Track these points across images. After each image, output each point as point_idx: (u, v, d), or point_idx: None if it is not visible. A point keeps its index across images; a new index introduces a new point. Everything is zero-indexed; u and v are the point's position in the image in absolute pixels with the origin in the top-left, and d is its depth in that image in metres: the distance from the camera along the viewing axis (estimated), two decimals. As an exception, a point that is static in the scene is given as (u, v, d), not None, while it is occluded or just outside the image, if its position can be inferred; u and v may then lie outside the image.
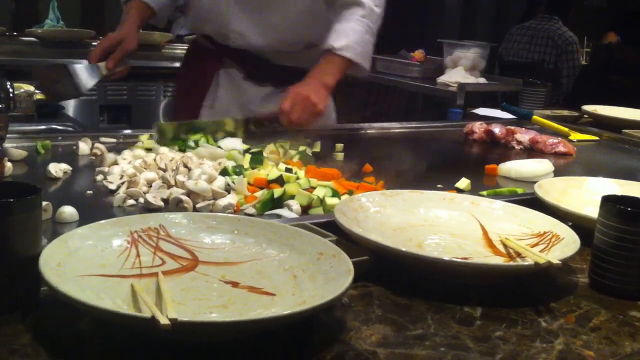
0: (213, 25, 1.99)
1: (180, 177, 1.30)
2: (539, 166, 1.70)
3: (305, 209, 1.25)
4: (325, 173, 1.42)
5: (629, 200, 1.04)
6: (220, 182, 1.31)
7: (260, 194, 1.28)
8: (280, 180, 1.32)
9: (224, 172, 1.37)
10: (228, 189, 1.31)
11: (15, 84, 1.99)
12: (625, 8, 5.94)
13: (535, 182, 1.39)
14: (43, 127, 2.14)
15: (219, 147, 1.57)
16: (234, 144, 1.59)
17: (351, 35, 1.84)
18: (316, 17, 1.95)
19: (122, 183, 1.31)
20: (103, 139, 1.66)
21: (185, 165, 1.39)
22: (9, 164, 1.36)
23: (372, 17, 1.89)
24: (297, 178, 1.33)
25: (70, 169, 1.41)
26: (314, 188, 1.29)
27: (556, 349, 0.85)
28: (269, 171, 1.37)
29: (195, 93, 2.07)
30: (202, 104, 2.05)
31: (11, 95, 1.51)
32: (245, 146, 1.59)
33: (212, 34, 2.00)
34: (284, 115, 1.70)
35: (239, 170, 1.37)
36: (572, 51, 5.07)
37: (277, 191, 1.25)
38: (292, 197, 1.25)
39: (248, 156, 1.48)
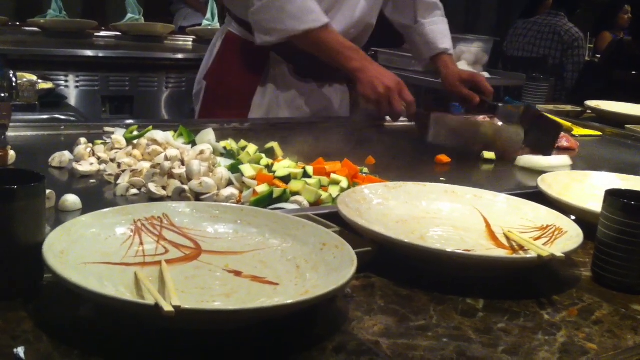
0: None
1: (177, 170, 1.28)
2: (557, 160, 1.75)
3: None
4: (337, 168, 1.36)
5: (632, 195, 1.04)
6: (220, 171, 1.30)
7: (261, 189, 1.25)
8: (287, 179, 1.28)
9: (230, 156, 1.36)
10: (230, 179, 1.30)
11: (18, 74, 1.99)
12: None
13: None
14: (46, 116, 2.14)
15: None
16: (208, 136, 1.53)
17: (448, 35, 2.24)
18: (374, 15, 2.14)
19: (123, 171, 1.31)
20: (107, 129, 1.66)
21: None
22: (12, 152, 1.36)
23: (444, 13, 2.27)
24: (306, 175, 1.30)
25: (73, 158, 1.41)
26: (325, 186, 1.28)
27: (558, 341, 0.85)
28: (279, 167, 1.33)
29: (241, 91, 2.07)
30: (252, 100, 2.07)
31: (14, 84, 1.50)
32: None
33: None
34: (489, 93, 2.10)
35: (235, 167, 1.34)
36: (578, 47, 5.08)
37: (277, 191, 1.22)
38: (296, 194, 1.24)
39: (252, 150, 1.45)
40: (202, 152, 1.35)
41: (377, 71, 1.87)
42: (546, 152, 1.78)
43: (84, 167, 1.35)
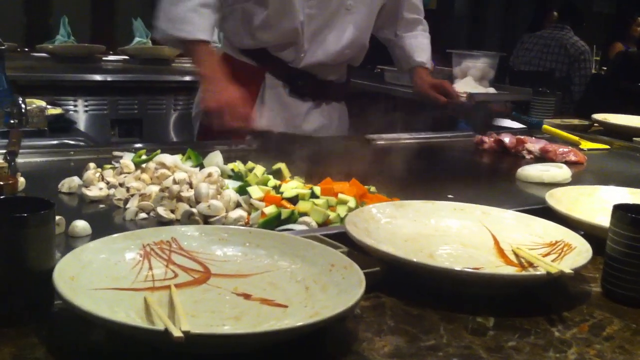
0: (290, 52, 2.06)
1: (185, 194, 1.29)
2: (557, 171, 1.75)
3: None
4: (345, 188, 1.36)
5: (641, 209, 1.04)
6: (228, 193, 1.31)
7: (269, 210, 1.25)
8: (295, 200, 1.29)
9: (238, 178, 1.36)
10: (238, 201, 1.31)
11: (27, 100, 2.00)
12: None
13: (552, 186, 1.41)
14: (55, 142, 2.15)
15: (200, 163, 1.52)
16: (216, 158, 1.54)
17: (426, 49, 2.35)
18: (367, 35, 2.18)
19: (132, 196, 1.32)
20: (115, 153, 1.67)
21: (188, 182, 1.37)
22: (22, 179, 1.37)
23: (427, 29, 2.36)
24: (314, 195, 1.30)
25: (82, 183, 1.41)
26: (333, 206, 1.29)
27: (569, 358, 0.84)
28: (286, 188, 1.34)
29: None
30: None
31: (23, 110, 1.52)
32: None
33: (287, 58, 2.06)
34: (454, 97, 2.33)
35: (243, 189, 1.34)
36: (585, 60, 5.09)
37: (285, 212, 1.22)
38: (304, 214, 1.24)
39: (259, 172, 1.45)
40: (210, 175, 1.36)
41: (220, 85, 1.84)
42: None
43: (93, 192, 1.36)
